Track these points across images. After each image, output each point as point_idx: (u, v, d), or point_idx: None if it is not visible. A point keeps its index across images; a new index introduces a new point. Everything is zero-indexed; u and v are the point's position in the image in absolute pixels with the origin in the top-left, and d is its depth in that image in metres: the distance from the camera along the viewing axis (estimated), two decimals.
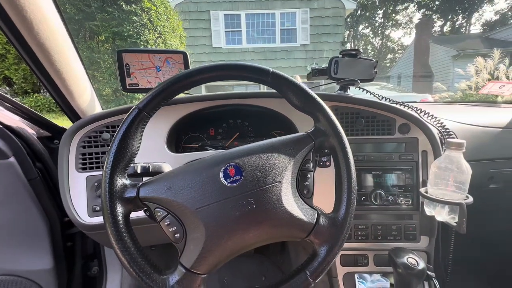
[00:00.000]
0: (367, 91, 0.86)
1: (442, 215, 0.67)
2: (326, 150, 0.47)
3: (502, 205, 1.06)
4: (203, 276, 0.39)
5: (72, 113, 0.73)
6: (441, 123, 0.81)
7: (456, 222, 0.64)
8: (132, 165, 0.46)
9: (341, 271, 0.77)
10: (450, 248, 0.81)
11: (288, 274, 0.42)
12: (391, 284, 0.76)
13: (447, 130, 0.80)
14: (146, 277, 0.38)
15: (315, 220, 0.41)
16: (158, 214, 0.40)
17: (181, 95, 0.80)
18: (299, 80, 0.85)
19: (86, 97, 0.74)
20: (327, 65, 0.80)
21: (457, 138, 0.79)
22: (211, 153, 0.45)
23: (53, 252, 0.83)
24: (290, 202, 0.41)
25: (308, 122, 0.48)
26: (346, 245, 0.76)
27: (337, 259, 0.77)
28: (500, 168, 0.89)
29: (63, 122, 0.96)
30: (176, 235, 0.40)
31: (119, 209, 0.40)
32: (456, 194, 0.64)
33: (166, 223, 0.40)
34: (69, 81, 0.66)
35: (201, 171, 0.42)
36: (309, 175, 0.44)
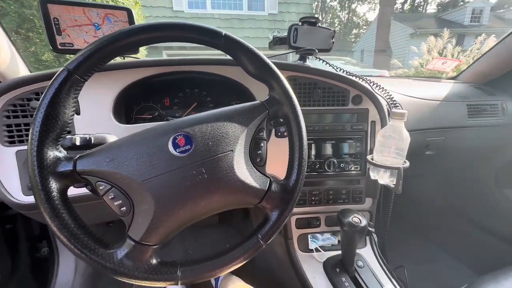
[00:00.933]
0: (326, 62, 0.87)
1: (384, 178, 0.75)
2: (280, 120, 0.47)
3: (434, 170, 1.23)
4: (154, 247, 0.38)
5: None
6: (390, 95, 0.87)
7: (394, 184, 0.71)
8: (69, 136, 0.41)
9: (295, 233, 0.83)
10: (390, 207, 0.92)
11: (242, 238, 0.43)
12: (338, 241, 0.85)
13: (394, 102, 0.86)
14: (90, 253, 0.36)
15: (267, 187, 0.42)
16: (100, 188, 0.37)
17: (128, 59, 0.72)
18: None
19: (5, 56, 0.62)
20: None
21: (402, 109, 0.86)
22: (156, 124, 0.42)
23: None
24: (243, 171, 0.41)
25: (267, 92, 0.46)
26: (300, 209, 0.83)
27: (292, 223, 0.82)
28: (435, 137, 1.00)
29: None
30: (122, 209, 0.37)
31: (53, 184, 0.36)
32: (396, 160, 0.72)
33: (110, 197, 0.37)
34: None
35: (148, 141, 0.39)
36: (262, 144, 0.44)
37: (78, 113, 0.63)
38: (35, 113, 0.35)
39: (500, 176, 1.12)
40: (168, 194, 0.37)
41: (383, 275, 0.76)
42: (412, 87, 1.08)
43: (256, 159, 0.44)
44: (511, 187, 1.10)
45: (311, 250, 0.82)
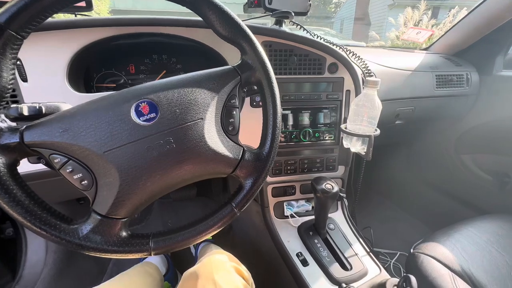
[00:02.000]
0: (303, 27, 0.83)
1: (356, 147, 0.78)
2: (254, 87, 0.45)
3: (402, 139, 1.30)
4: (123, 220, 0.37)
5: None
6: (365, 64, 0.87)
7: (365, 152, 0.74)
8: (15, 106, 0.35)
9: (272, 201, 0.86)
10: (361, 174, 0.97)
11: (216, 207, 0.43)
12: (312, 207, 0.89)
13: (369, 71, 0.86)
14: (51, 229, 0.33)
15: (240, 156, 0.41)
16: (55, 161, 0.34)
17: (79, 17, 0.63)
18: None
19: None
20: None
21: (375, 78, 0.87)
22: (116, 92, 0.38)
23: None
24: (214, 139, 0.39)
25: (235, 50, 0.42)
26: (276, 178, 0.84)
27: (269, 192, 0.84)
28: (405, 107, 1.04)
29: None
30: (83, 182, 0.34)
31: None
32: (368, 128, 0.74)
33: (67, 170, 0.34)
34: None
35: (106, 109, 0.35)
36: (234, 112, 0.42)
37: (24, 79, 0.55)
38: None
39: (459, 143, 1.22)
40: (134, 166, 0.35)
41: (352, 235, 0.83)
42: (386, 57, 1.09)
43: (228, 128, 0.42)
44: (468, 153, 1.21)
45: (287, 217, 0.86)
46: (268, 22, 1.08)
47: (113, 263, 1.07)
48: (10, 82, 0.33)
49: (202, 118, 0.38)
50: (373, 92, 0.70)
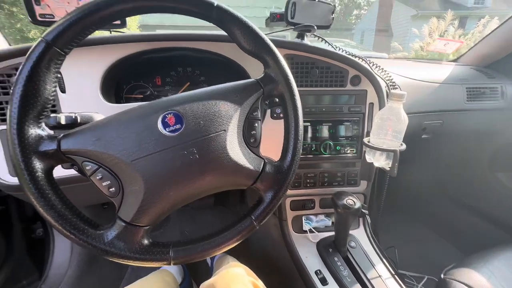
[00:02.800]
0: (324, 40, 0.83)
1: (380, 161, 0.75)
2: (276, 100, 0.45)
3: (429, 153, 1.23)
4: (146, 227, 0.37)
5: None
6: (389, 76, 0.85)
7: (389, 167, 0.71)
8: (54, 115, 0.38)
9: (290, 214, 0.84)
10: (384, 190, 0.92)
11: (236, 219, 0.42)
12: (332, 223, 0.86)
13: (393, 83, 0.84)
14: (79, 233, 0.35)
15: (261, 168, 0.41)
16: (87, 168, 0.36)
17: (114, 34, 0.68)
18: None
19: None
20: None
21: (400, 90, 0.84)
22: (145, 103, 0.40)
23: None
24: (236, 151, 0.39)
25: (258, 64, 0.43)
26: (295, 191, 0.83)
27: (287, 205, 0.83)
28: (431, 120, 0.99)
29: None
30: (111, 189, 0.36)
31: (37, 164, 0.34)
32: (392, 142, 0.71)
33: (97, 177, 0.36)
34: None
35: (136, 119, 0.37)
36: (256, 124, 0.42)
37: (63, 91, 0.60)
38: (12, 88, 0.33)
39: (494, 160, 1.13)
40: (158, 175, 0.36)
41: (375, 255, 0.78)
42: (411, 69, 1.05)
43: (250, 140, 0.42)
44: (504, 171, 1.11)
45: (305, 231, 0.83)
46: (288, 34, 1.09)
47: (132, 268, 1.09)
48: (52, 94, 0.36)
49: (225, 130, 0.39)
50: (399, 105, 0.67)
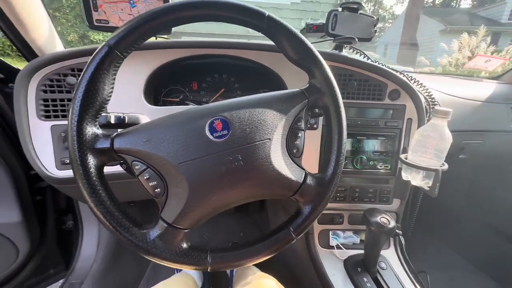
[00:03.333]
0: (362, 53, 0.82)
1: (417, 180, 0.71)
2: (318, 110, 0.45)
3: (466, 175, 1.16)
4: (186, 230, 0.38)
5: (27, 50, 0.62)
6: (429, 92, 0.82)
7: (429, 187, 0.67)
8: (104, 114, 0.40)
9: (317, 228, 0.81)
10: (416, 210, 0.88)
11: (273, 229, 0.42)
12: (360, 240, 0.82)
13: (433, 99, 0.81)
14: (124, 231, 0.36)
15: (302, 179, 0.40)
16: (136, 167, 0.37)
17: (160, 39, 0.71)
18: None
19: (44, 31, 0.62)
20: (322, 21, 0.74)
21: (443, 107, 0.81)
22: (193, 107, 0.41)
23: (21, 206, 0.78)
24: (279, 161, 0.39)
25: (300, 82, 0.44)
26: None
27: None
28: (471, 140, 0.94)
29: (21, 65, 0.83)
30: (156, 190, 0.37)
31: (91, 161, 0.35)
32: (433, 161, 0.67)
33: (145, 177, 0.36)
34: (20, 9, 0.54)
35: (185, 123, 0.38)
36: (300, 134, 0.42)
37: None
38: (75, 88, 0.34)
39: None
40: (202, 179, 0.36)
41: (406, 278, 0.74)
42: (450, 85, 1.01)
43: (293, 150, 0.41)
44: None
45: (332, 247, 0.81)
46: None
47: (151, 268, 1.10)
48: (109, 94, 0.38)
49: (269, 139, 0.38)
50: (443, 122, 0.64)
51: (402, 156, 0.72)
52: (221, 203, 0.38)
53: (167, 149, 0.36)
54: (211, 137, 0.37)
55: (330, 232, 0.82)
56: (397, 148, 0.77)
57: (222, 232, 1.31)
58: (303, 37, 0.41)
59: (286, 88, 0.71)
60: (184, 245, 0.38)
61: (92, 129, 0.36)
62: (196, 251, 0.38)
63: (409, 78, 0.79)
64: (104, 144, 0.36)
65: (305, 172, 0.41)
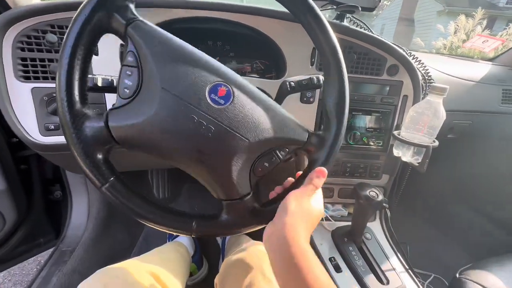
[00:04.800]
0: (363, 24, 0.79)
1: (407, 156, 0.73)
2: (304, 82, 0.44)
3: (451, 155, 1.20)
4: (114, 144, 0.34)
5: None
6: (426, 69, 0.81)
7: (418, 163, 0.69)
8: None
9: None
10: (403, 185, 0.91)
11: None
12: (348, 213, 0.86)
13: (430, 77, 0.80)
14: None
15: (241, 195, 0.37)
16: (128, 58, 0.34)
17: None
18: None
19: None
20: None
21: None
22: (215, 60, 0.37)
23: (4, 174, 0.75)
24: (238, 164, 0.36)
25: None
26: None
27: None
28: (460, 120, 0.96)
29: None
30: (126, 90, 0.34)
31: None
32: (425, 138, 0.68)
33: (127, 72, 0.34)
34: None
35: (197, 65, 0.34)
36: (273, 159, 0.38)
37: (96, 54, 0.58)
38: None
39: None
40: (168, 117, 0.33)
41: (389, 249, 0.78)
42: (446, 64, 1.00)
43: (258, 168, 0.38)
44: None
45: (321, 219, 0.83)
46: None
47: (143, 237, 1.12)
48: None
49: (248, 140, 0.35)
50: (439, 99, 0.65)
51: (395, 132, 0.73)
52: (163, 151, 0.35)
53: (164, 68, 0.34)
54: (207, 94, 0.34)
55: None
56: (391, 125, 0.78)
57: (213, 203, 1.33)
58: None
59: (284, 61, 0.68)
60: (99, 156, 0.34)
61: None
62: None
63: (408, 54, 0.78)
64: (121, 19, 0.33)
65: (250, 193, 0.38)
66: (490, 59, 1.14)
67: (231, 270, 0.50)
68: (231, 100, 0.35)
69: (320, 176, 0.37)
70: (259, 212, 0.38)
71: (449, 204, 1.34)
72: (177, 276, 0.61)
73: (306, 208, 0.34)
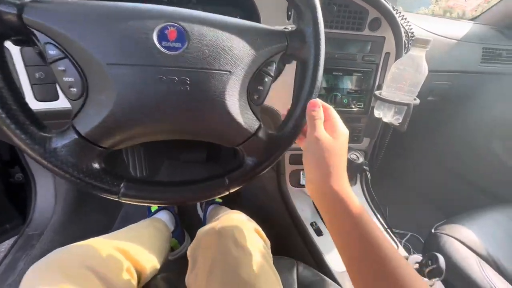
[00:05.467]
0: None
1: (388, 116, 0.70)
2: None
3: (430, 118, 1.21)
4: (101, 149, 0.30)
5: None
6: (409, 25, 0.77)
7: (399, 123, 0.67)
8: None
9: (288, 168, 0.81)
10: (383, 148, 0.91)
11: (208, 175, 0.36)
12: None
13: (412, 33, 0.76)
14: (16, 126, 0.27)
15: (254, 131, 0.34)
16: (50, 52, 0.28)
17: None
18: None
19: None
20: None
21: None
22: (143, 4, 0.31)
23: None
24: (234, 101, 0.32)
25: (277, 18, 0.34)
26: (295, 145, 0.79)
27: (286, 159, 0.80)
28: (440, 81, 0.94)
29: None
30: (71, 89, 0.28)
31: None
32: (406, 97, 0.66)
33: (59, 68, 0.28)
34: None
35: (127, 19, 0.28)
36: (266, 79, 0.35)
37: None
38: None
39: (495, 128, 1.12)
40: (135, 92, 0.28)
41: (369, 210, 0.79)
42: (428, 22, 0.96)
43: (254, 95, 0.35)
44: (502, 139, 1.11)
45: (302, 186, 0.82)
46: None
47: (121, 216, 1.08)
48: None
49: (230, 72, 0.31)
50: (422, 53, 0.61)
51: (377, 92, 0.70)
52: (151, 128, 0.31)
53: (96, 41, 0.27)
54: (158, 44, 0.28)
55: (301, 172, 0.82)
56: (372, 86, 0.75)
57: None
58: None
59: (258, 17, 0.60)
60: (96, 166, 0.31)
61: None
62: (110, 175, 0.32)
63: (392, 8, 0.72)
64: (8, 9, 0.26)
65: (260, 124, 0.35)
66: (473, 18, 1.12)
67: (204, 239, 0.47)
68: (186, 38, 0.29)
69: (314, 108, 0.35)
70: (279, 138, 0.37)
71: (425, 167, 1.38)
72: (152, 251, 0.58)
73: (328, 147, 0.34)
